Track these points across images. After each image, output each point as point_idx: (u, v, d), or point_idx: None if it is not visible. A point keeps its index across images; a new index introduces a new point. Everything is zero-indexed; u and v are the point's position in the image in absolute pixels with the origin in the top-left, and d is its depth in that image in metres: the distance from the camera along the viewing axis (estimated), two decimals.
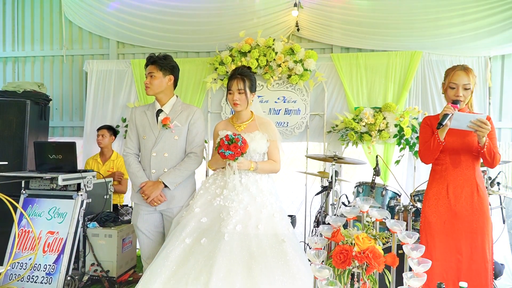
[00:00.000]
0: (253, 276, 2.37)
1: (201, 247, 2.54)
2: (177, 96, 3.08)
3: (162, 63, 2.98)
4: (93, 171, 4.12)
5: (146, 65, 3.03)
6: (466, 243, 2.63)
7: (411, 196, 3.70)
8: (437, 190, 2.74)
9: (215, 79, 5.19)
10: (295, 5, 4.66)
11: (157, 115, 2.98)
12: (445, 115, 2.56)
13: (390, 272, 1.93)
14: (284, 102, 5.06)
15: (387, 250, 2.26)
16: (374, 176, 3.78)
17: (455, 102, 2.61)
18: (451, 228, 2.66)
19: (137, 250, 4.41)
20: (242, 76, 2.87)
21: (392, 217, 3.69)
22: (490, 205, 3.63)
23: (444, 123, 2.57)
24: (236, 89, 2.86)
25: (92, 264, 3.88)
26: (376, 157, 3.83)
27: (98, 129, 4.92)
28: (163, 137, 2.93)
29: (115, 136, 5.01)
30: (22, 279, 3.58)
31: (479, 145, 2.57)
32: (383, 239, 1.96)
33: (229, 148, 2.65)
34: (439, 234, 2.68)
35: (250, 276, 2.37)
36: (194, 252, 2.53)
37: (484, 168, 3.58)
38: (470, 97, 2.73)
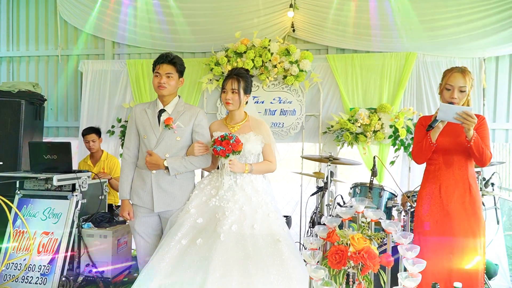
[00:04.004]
0: (249, 275, 2.38)
1: (197, 248, 2.55)
2: (179, 96, 3.03)
3: (180, 65, 2.95)
4: (88, 171, 4.10)
5: (159, 63, 2.90)
6: (458, 242, 2.64)
7: (408, 197, 3.71)
8: (430, 190, 2.76)
9: (210, 80, 5.18)
10: (291, 5, 4.67)
11: (160, 115, 2.93)
12: (437, 117, 2.58)
13: (385, 273, 1.93)
14: (280, 102, 5.06)
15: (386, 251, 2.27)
16: (372, 177, 3.78)
17: (448, 103, 2.63)
18: (443, 228, 2.68)
19: (132, 250, 4.40)
20: (238, 76, 2.89)
21: (389, 218, 3.71)
22: (483, 205, 3.66)
23: (434, 125, 2.59)
24: (230, 88, 2.87)
25: (87, 265, 3.86)
26: (374, 158, 3.84)
27: (85, 134, 4.79)
28: (165, 138, 2.88)
29: (101, 135, 4.93)
30: (16, 280, 3.56)
31: (466, 139, 2.57)
32: (378, 239, 1.96)
33: (221, 144, 2.69)
34: (431, 234, 2.70)
35: (246, 276, 2.38)
36: (189, 252, 2.53)
37: (479, 169, 3.60)
38: (466, 99, 2.75)
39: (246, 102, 2.99)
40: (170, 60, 2.90)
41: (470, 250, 2.62)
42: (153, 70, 2.94)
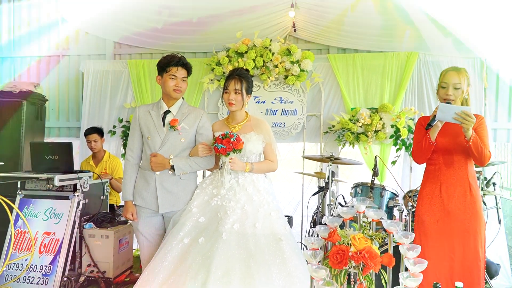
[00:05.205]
0: (251, 274, 2.38)
1: (199, 247, 2.55)
2: (183, 98, 3.04)
3: (191, 70, 2.99)
4: (89, 171, 4.11)
5: (175, 65, 2.89)
6: (459, 242, 2.65)
7: (410, 196, 3.72)
8: (431, 190, 2.77)
9: (212, 80, 5.19)
10: (292, 5, 4.66)
11: (164, 116, 2.94)
12: (435, 116, 2.59)
13: (386, 272, 1.93)
14: (281, 102, 5.07)
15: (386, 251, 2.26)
16: (373, 177, 3.78)
17: (447, 103, 2.65)
18: (444, 227, 2.69)
19: (133, 250, 4.40)
20: (240, 77, 2.90)
21: (390, 218, 3.71)
22: (485, 204, 3.66)
23: (433, 124, 2.62)
24: (232, 89, 2.88)
25: (89, 265, 3.87)
26: (375, 157, 3.84)
27: (87, 134, 4.81)
28: (170, 139, 2.89)
29: (103, 135, 4.96)
30: (18, 280, 3.56)
31: (465, 139, 2.59)
32: (379, 239, 1.96)
33: (222, 142, 2.70)
34: (432, 233, 2.71)
35: (247, 275, 2.39)
36: (192, 251, 2.54)
37: (480, 169, 3.60)
38: (462, 96, 2.76)
39: (247, 103, 3.00)
40: (185, 65, 2.94)
41: (471, 249, 2.63)
42: (165, 70, 2.91)
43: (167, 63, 2.90)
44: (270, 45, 4.90)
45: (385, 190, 3.80)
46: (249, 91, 2.94)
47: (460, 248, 2.64)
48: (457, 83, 2.68)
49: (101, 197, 4.23)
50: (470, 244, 2.63)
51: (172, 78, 2.89)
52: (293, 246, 2.63)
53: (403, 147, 4.71)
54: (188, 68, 2.96)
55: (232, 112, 2.98)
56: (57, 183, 3.62)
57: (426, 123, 2.72)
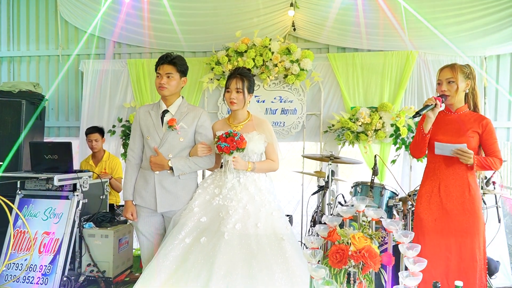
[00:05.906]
0: (253, 274, 2.39)
1: (201, 246, 2.55)
2: (182, 97, 3.04)
3: (181, 64, 2.95)
4: (89, 171, 4.11)
5: (160, 63, 2.92)
6: (456, 242, 2.65)
7: (410, 196, 3.71)
8: (430, 188, 2.77)
9: (211, 79, 5.18)
10: (291, 5, 4.66)
11: (163, 116, 2.94)
12: (426, 106, 2.63)
13: (386, 271, 1.93)
14: (281, 102, 5.06)
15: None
16: (373, 176, 3.78)
17: (441, 97, 2.69)
18: (441, 226, 2.69)
19: (133, 250, 4.40)
20: (242, 75, 2.90)
21: (390, 217, 3.70)
22: (485, 204, 3.65)
23: (421, 113, 2.65)
24: (234, 88, 2.88)
25: (88, 265, 3.87)
26: (375, 156, 3.83)
27: (88, 133, 4.81)
28: (168, 138, 2.88)
29: (104, 135, 4.96)
30: (17, 280, 3.56)
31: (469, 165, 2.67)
32: (379, 238, 1.96)
33: (226, 141, 2.69)
34: (429, 232, 2.71)
35: (250, 274, 2.39)
36: (193, 251, 2.54)
37: None
38: (467, 93, 2.79)
39: (249, 102, 3.00)
40: (170, 60, 2.91)
41: (468, 250, 2.63)
42: (156, 71, 2.96)
43: (155, 65, 2.97)
44: (269, 44, 4.89)
45: (385, 189, 3.80)
46: (250, 90, 2.95)
47: (457, 248, 2.64)
48: (450, 78, 2.72)
49: (101, 197, 4.22)
50: (467, 245, 2.63)
51: (158, 76, 2.92)
52: (295, 246, 2.63)
53: (403, 146, 4.70)
54: (173, 63, 2.91)
55: (233, 111, 2.98)
56: (56, 183, 3.62)
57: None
